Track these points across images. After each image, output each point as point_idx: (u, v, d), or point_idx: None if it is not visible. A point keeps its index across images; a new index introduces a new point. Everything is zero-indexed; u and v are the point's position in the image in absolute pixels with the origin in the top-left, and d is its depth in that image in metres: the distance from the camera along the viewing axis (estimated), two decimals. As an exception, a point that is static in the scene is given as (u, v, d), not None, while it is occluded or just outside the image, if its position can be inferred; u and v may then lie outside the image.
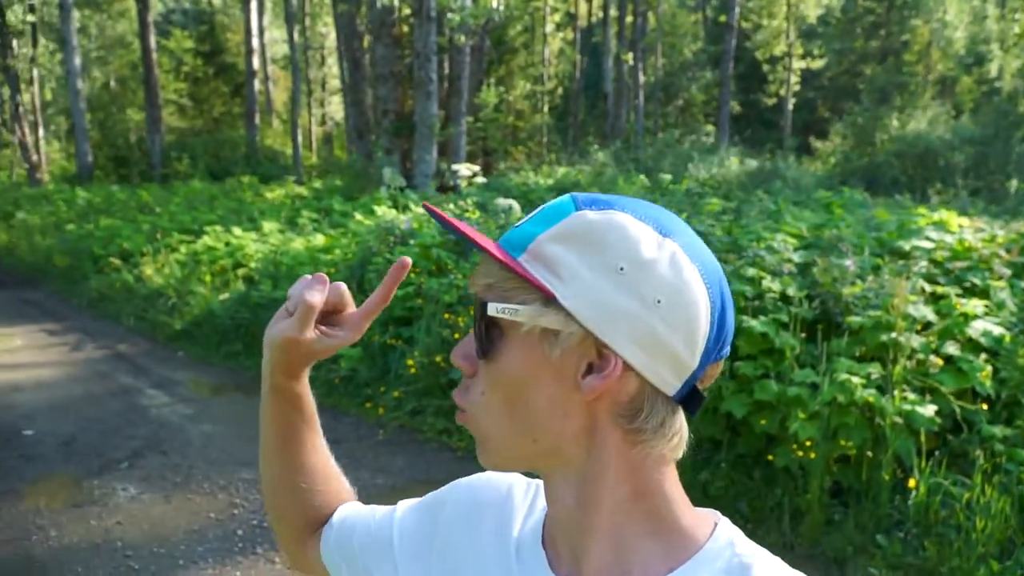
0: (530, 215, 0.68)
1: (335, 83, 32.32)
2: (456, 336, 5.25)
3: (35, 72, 21.78)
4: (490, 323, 0.66)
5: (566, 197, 0.67)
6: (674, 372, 0.64)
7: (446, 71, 14.13)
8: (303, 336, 0.79)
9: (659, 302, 0.62)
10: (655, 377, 0.63)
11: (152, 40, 18.89)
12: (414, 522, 0.84)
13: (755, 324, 4.17)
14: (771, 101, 29.09)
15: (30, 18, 20.49)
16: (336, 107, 33.67)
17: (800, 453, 3.75)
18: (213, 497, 4.19)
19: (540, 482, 0.79)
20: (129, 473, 4.51)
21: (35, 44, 21.71)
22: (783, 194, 11.41)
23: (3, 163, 29.18)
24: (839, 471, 3.76)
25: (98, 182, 17.55)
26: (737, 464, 4.07)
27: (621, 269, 0.62)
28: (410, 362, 5.31)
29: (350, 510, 0.91)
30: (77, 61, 18.08)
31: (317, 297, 0.78)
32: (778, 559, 0.66)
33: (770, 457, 3.87)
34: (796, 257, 4.89)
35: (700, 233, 5.61)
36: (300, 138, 20.22)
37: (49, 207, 13.50)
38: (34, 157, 18.81)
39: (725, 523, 0.69)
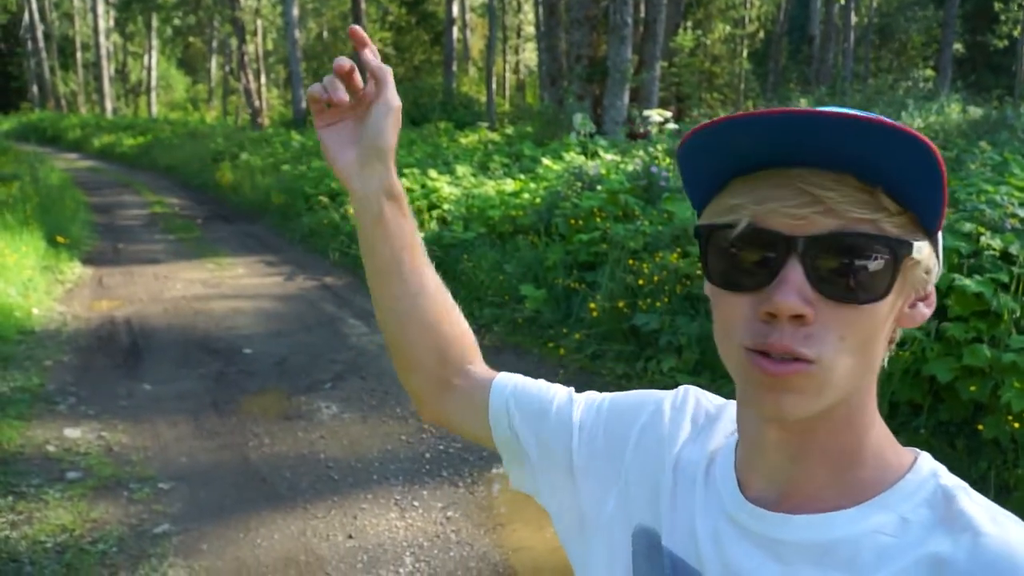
0: None
1: (530, 30, 32.48)
2: (640, 283, 5.22)
3: (259, 23, 23.50)
4: (870, 260, 0.60)
5: None
6: None
7: (641, 14, 13.78)
8: (324, 131, 0.88)
9: None
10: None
11: (360, -10, 19.76)
12: (604, 420, 0.85)
13: (969, 283, 3.83)
14: (1001, 43, 26.07)
15: (254, -28, 22.09)
16: (530, 54, 33.89)
17: (1016, 425, 3.44)
18: (404, 422, 4.47)
19: (719, 404, 0.80)
20: (332, 393, 4.90)
21: (258, -3, 23.41)
22: (1010, 146, 10.28)
23: (230, 108, 31.94)
24: (1058, 448, 3.42)
25: (310, 127, 18.80)
26: (938, 431, 3.80)
27: None
28: (592, 305, 5.35)
29: (516, 376, 0.93)
30: (295, 12, 19.31)
31: (314, 88, 0.84)
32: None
33: (978, 427, 3.58)
34: (1023, 212, 4.41)
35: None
36: (494, 85, 20.57)
37: (268, 149, 14.66)
38: (256, 103, 20.44)
39: (926, 456, 0.67)
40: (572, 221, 6.17)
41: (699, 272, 4.91)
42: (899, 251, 0.60)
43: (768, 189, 0.61)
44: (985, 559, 0.58)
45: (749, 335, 0.62)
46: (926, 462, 0.66)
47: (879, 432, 0.67)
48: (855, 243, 0.60)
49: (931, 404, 3.84)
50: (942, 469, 0.66)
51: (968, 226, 4.25)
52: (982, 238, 4.14)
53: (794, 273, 0.59)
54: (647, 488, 0.77)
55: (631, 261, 5.36)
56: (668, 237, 5.60)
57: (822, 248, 0.59)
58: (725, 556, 0.69)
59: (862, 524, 0.63)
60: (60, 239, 8.42)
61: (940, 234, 0.65)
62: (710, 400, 0.82)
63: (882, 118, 0.56)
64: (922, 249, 0.62)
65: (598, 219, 6.07)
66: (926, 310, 0.66)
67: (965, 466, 3.55)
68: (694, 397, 0.82)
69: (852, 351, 0.61)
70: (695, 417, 0.80)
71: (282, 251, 9.50)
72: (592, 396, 0.89)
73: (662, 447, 0.78)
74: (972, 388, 3.60)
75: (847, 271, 0.60)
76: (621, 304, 5.20)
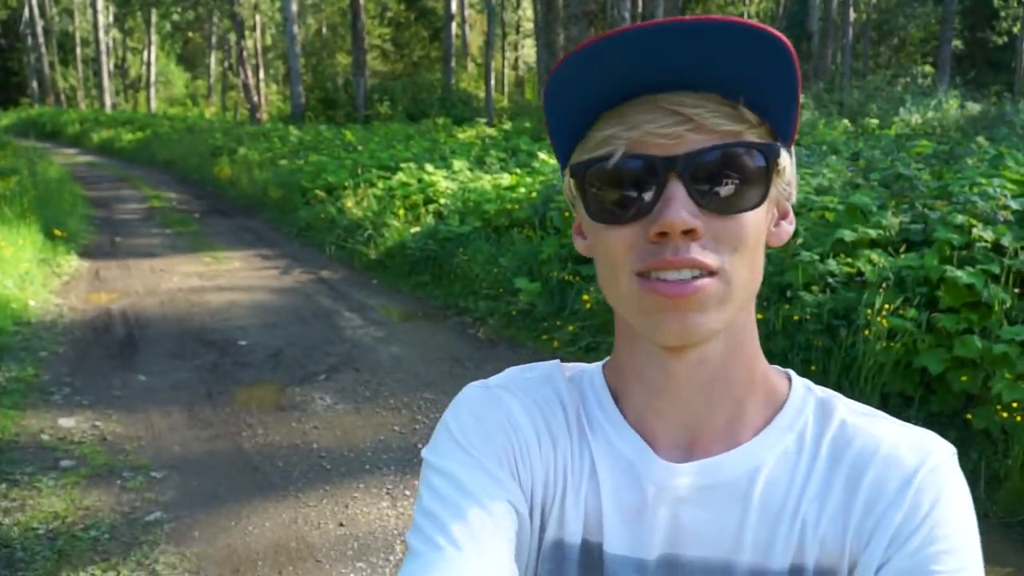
0: None
1: (529, 26, 32.45)
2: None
3: (258, 19, 23.48)
4: (745, 169, 0.62)
5: None
6: None
7: (639, 10, 13.78)
8: None
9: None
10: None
11: (359, -14, 19.75)
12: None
13: (960, 275, 3.85)
14: (1001, 39, 26.07)
15: (253, -32, 22.07)
16: (528, 51, 33.88)
17: (1005, 415, 3.45)
18: (398, 412, 4.49)
19: (562, 367, 0.75)
20: (326, 385, 4.91)
21: (257, -8, 23.39)
22: (1008, 141, 10.29)
23: (229, 104, 31.93)
24: (1047, 438, 3.44)
25: (308, 122, 18.80)
26: (929, 422, 3.81)
27: None
28: (585, 297, 5.36)
29: None
30: (294, 8, 19.30)
31: None
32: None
33: (968, 417, 3.59)
34: (1015, 204, 4.43)
35: (904, 177, 5.22)
36: (493, 81, 20.56)
37: (266, 144, 14.66)
38: (255, 98, 20.43)
39: (792, 373, 0.73)
40: (567, 215, 6.18)
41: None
42: (770, 156, 0.63)
43: (637, 115, 0.61)
44: (874, 450, 0.66)
45: (641, 260, 0.62)
46: (797, 378, 0.72)
47: (760, 355, 0.71)
48: (730, 153, 0.61)
49: (922, 395, 3.85)
50: (810, 383, 0.72)
51: (960, 218, 4.27)
52: (974, 230, 4.15)
53: (677, 191, 0.60)
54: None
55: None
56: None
57: (700, 164, 0.61)
58: (673, 523, 0.68)
59: (776, 448, 0.67)
60: (58, 232, 8.43)
61: (793, 149, 0.67)
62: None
63: (739, 18, 0.58)
64: (785, 158, 0.65)
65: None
66: (789, 227, 0.69)
67: (958, 457, 3.56)
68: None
69: (744, 263, 0.63)
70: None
71: (279, 245, 9.51)
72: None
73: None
74: (963, 379, 3.62)
75: (727, 182, 0.61)
76: (615, 296, 5.21)
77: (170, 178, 16.41)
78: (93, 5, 30.80)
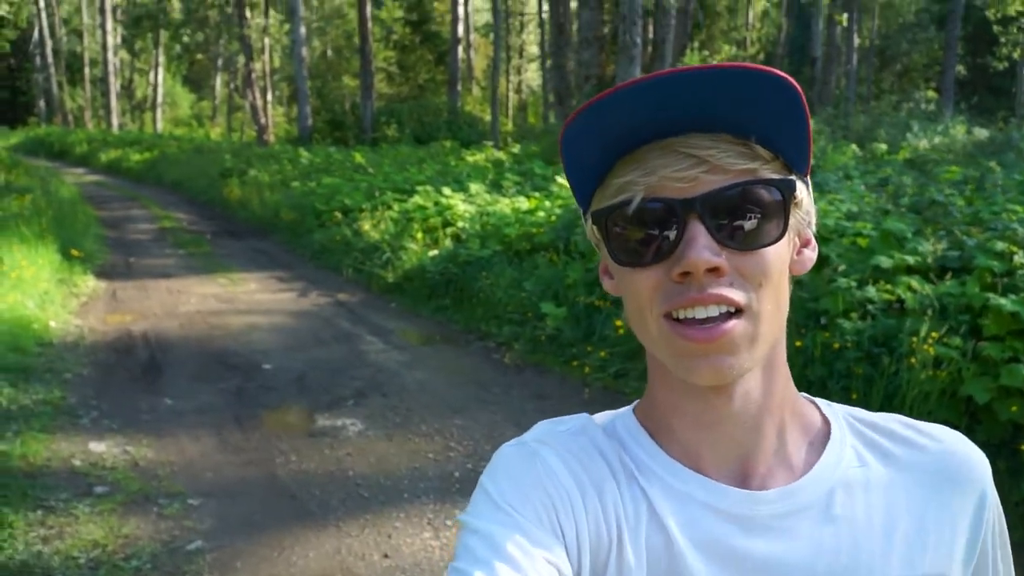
0: None
1: (533, 50, 32.70)
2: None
3: (266, 41, 23.62)
4: (763, 205, 0.64)
5: None
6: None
7: (650, 35, 13.87)
8: None
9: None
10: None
11: (368, 11, 19.89)
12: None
13: (1004, 302, 3.82)
14: (1001, 65, 26.26)
15: (263, -9, 22.24)
16: (532, 74, 34.09)
17: (1053, 446, 3.41)
18: (430, 439, 4.43)
19: (587, 419, 0.74)
20: (354, 410, 4.86)
21: (267, 15, 23.54)
22: (1019, 166, 10.32)
23: (235, 125, 32.05)
24: (1101, 470, 3.39)
25: (315, 144, 18.85)
26: (974, 452, 3.77)
27: None
28: (618, 323, 5.33)
29: None
30: (302, 31, 19.42)
31: None
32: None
33: (1019, 447, 3.54)
34: (1055, 232, 4.41)
35: (938, 203, 5.21)
36: (498, 104, 20.65)
37: (276, 166, 14.67)
38: (263, 120, 20.50)
39: (820, 400, 0.76)
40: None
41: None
42: (785, 190, 0.64)
43: (653, 160, 0.64)
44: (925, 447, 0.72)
45: (666, 300, 0.64)
46: (827, 405, 0.75)
47: (791, 380, 0.72)
48: (747, 190, 0.63)
49: (968, 425, 3.81)
50: (842, 406, 0.76)
51: (1000, 245, 4.24)
52: (1015, 257, 4.12)
53: (698, 231, 0.62)
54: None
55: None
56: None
57: (718, 203, 0.62)
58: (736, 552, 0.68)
59: (841, 465, 0.70)
60: (74, 252, 8.40)
61: (809, 179, 0.70)
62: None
63: (744, 64, 0.60)
64: (802, 189, 0.67)
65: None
66: (811, 254, 0.71)
67: (1006, 487, 3.52)
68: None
69: (769, 296, 0.64)
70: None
71: (293, 267, 9.48)
72: None
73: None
74: (1013, 408, 3.57)
75: (745, 218, 0.63)
76: (646, 322, 5.17)
77: (179, 199, 16.42)
78: (103, 27, 30.97)
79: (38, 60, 32.50)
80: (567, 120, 0.64)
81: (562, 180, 8.77)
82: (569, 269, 6.24)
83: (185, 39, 24.22)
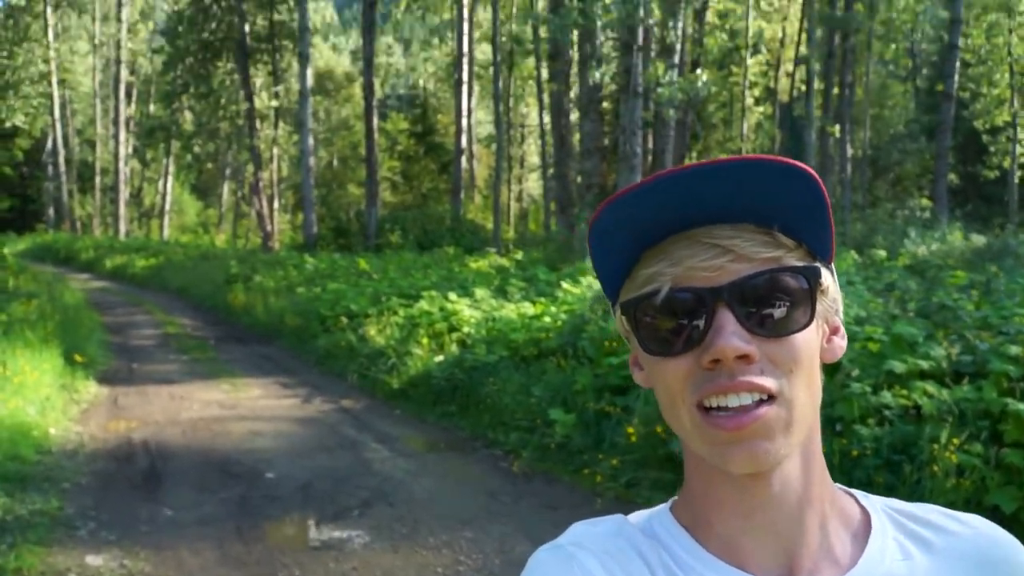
0: None
1: (533, 160, 33.58)
2: (678, 406, 5.14)
3: (274, 151, 24.28)
4: (790, 292, 0.64)
5: None
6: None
7: (650, 145, 14.26)
8: None
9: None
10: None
11: (375, 122, 20.54)
12: None
13: (1023, 408, 3.76)
14: (992, 174, 26.93)
15: (274, 103, 23.03)
16: (532, 183, 34.91)
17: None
18: (439, 552, 4.28)
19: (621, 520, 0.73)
20: (360, 521, 4.71)
21: (276, 127, 24.29)
22: (1020, 272, 10.42)
23: (240, 232, 32.57)
24: None
25: (320, 250, 19.08)
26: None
27: None
28: (630, 430, 5.24)
29: None
30: (310, 141, 19.98)
31: None
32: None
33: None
34: (1067, 337, 4.39)
35: (947, 308, 5.22)
36: (500, 212, 21.04)
37: (281, 271, 14.80)
38: (268, 227, 20.82)
39: (855, 491, 0.75)
40: (608, 343, 6.13)
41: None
42: (811, 277, 0.65)
43: (679, 251, 0.65)
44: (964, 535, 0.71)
45: (697, 389, 0.63)
46: (863, 495, 0.74)
47: (827, 469, 0.71)
48: (773, 278, 0.64)
49: (996, 536, 3.69)
50: (877, 497, 0.75)
51: (1014, 349, 4.22)
52: (1031, 363, 4.10)
53: (726, 318, 0.62)
54: None
55: (669, 384, 5.28)
56: (700, 360, 5.54)
57: (745, 291, 0.63)
58: None
59: (886, 557, 0.69)
60: (78, 357, 8.37)
61: (833, 266, 0.70)
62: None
63: (764, 155, 0.62)
64: (827, 276, 0.67)
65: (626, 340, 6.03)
66: (841, 342, 0.71)
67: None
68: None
69: (802, 383, 0.64)
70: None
71: (298, 373, 9.41)
72: None
73: None
74: (1041, 519, 3.47)
75: (773, 305, 0.63)
76: (659, 429, 5.10)
77: (183, 304, 16.49)
78: (116, 137, 31.92)
79: (50, 169, 33.32)
80: (595, 213, 0.66)
81: (567, 285, 8.83)
82: (577, 374, 6.19)
83: (196, 149, 24.89)
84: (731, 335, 0.62)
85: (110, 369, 9.29)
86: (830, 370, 4.49)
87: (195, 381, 8.83)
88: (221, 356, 10.50)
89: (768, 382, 0.62)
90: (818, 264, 0.67)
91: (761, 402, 0.62)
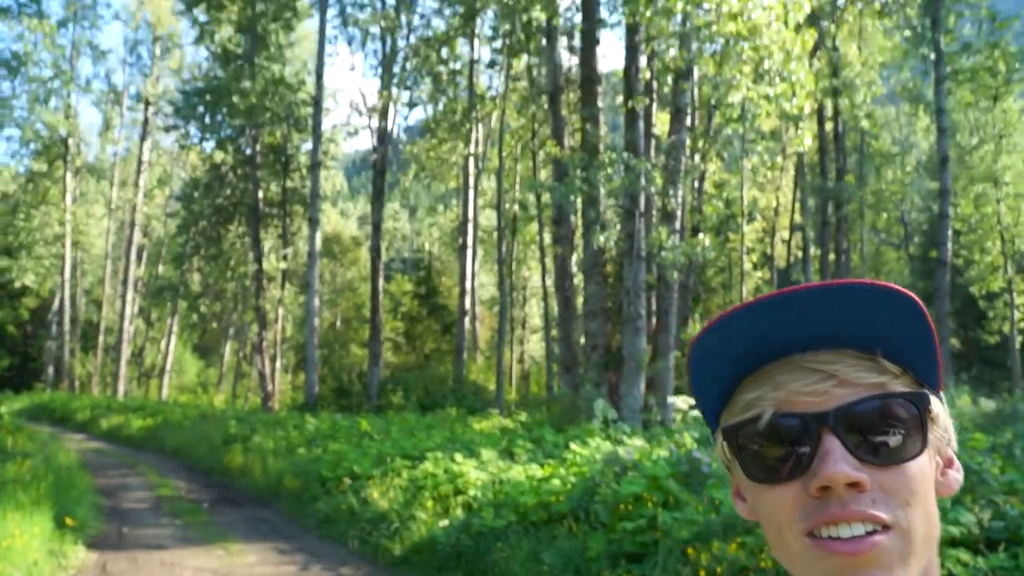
0: None
1: (535, 322, 33.92)
2: (701, 573, 4.88)
3: (279, 311, 24.55)
4: (899, 418, 0.62)
5: None
6: None
7: (653, 307, 14.43)
8: None
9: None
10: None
11: (380, 284, 20.93)
12: None
13: (1070, 579, 3.57)
14: (993, 339, 27.12)
15: (282, 265, 23.54)
16: (534, 345, 35.07)
17: None
18: None
19: None
20: None
21: (283, 288, 24.71)
22: (1033, 437, 10.22)
23: (239, 391, 32.37)
24: None
25: (320, 410, 18.87)
26: None
27: None
28: (649, 602, 4.95)
29: None
30: (316, 303, 20.25)
31: None
32: None
33: None
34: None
35: (973, 472, 5.08)
36: (503, 373, 21.01)
37: (281, 432, 14.55)
38: (269, 387, 20.71)
39: None
40: (622, 507, 5.92)
41: (762, 564, 4.61)
42: (920, 403, 0.62)
43: (780, 376, 0.63)
44: None
45: (807, 518, 0.60)
46: None
47: None
48: (881, 404, 0.61)
49: None
50: None
51: (1051, 516, 4.06)
52: (1070, 529, 3.92)
53: (833, 444, 0.60)
54: None
55: (691, 550, 5.05)
56: (718, 526, 5.33)
57: (851, 417, 0.61)
58: None
59: None
60: (69, 521, 8.06)
61: (943, 395, 0.67)
62: None
63: (866, 280, 0.61)
64: (936, 404, 0.65)
65: (649, 504, 5.83)
66: (957, 475, 0.67)
67: None
68: None
69: (919, 515, 0.61)
70: None
71: (295, 538, 9.03)
72: None
73: None
74: None
75: (883, 432, 0.61)
76: (680, 600, 4.82)
77: (178, 465, 16.10)
78: (123, 296, 32.41)
79: (54, 327, 33.56)
80: (695, 337, 0.65)
81: (576, 447, 8.65)
82: (590, 540, 5.93)
83: (203, 309, 25.19)
84: (839, 461, 0.59)
85: (100, 534, 8.92)
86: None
87: (187, 547, 8.45)
88: (216, 519, 10.12)
89: (881, 513, 0.60)
90: (926, 391, 0.64)
91: (875, 532, 0.59)
